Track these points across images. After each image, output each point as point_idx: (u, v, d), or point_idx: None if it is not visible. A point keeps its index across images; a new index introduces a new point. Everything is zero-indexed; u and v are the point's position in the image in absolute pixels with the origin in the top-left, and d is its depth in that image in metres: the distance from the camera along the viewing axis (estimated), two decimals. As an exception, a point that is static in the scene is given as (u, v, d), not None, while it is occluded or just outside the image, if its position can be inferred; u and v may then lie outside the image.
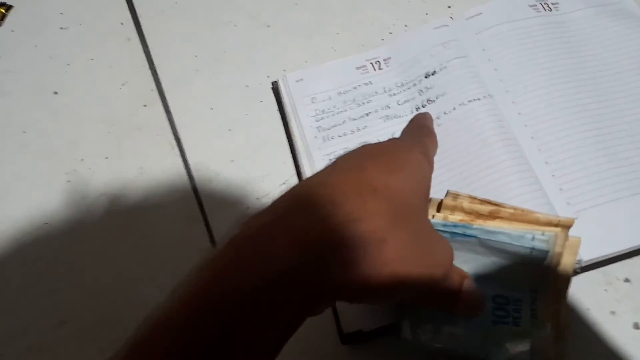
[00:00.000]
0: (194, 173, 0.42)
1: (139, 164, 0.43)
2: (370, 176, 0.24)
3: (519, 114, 0.40)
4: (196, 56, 0.48)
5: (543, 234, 0.29)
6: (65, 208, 0.42)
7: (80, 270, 0.40)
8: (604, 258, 0.35)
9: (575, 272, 0.35)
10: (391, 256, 0.23)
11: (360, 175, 0.24)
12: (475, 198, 0.32)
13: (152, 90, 0.47)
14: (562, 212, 0.36)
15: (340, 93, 0.42)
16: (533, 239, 0.29)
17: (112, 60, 0.48)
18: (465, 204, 0.31)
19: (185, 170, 0.43)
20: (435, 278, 0.25)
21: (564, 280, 0.30)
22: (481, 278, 0.30)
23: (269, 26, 0.49)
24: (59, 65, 0.48)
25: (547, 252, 0.29)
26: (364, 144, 0.28)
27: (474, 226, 0.30)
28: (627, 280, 0.36)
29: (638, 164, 0.37)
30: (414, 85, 0.42)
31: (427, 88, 0.41)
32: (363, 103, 0.42)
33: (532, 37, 0.42)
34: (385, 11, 0.49)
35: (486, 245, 0.30)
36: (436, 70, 0.41)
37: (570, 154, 0.37)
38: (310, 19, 0.49)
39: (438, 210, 0.32)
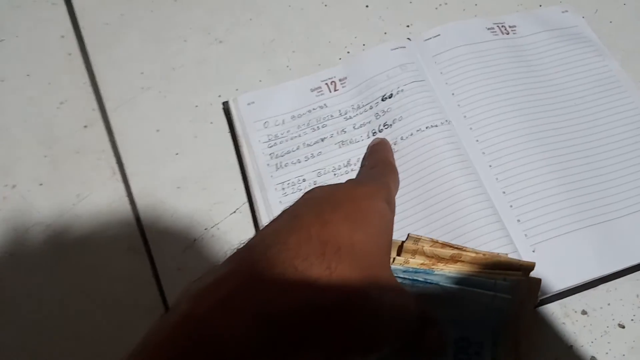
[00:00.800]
0: (137, 201, 0.40)
1: (78, 190, 0.40)
2: (333, 232, 0.22)
3: (477, 140, 0.39)
4: (142, 73, 0.45)
5: (505, 280, 0.28)
6: (-5, 239, 0.39)
7: (13, 307, 0.37)
8: (562, 290, 0.35)
9: (534, 307, 0.34)
10: (362, 319, 0.21)
11: (321, 231, 0.22)
12: (436, 242, 0.31)
13: (93, 109, 0.44)
14: (520, 244, 0.35)
15: (294, 117, 0.41)
16: (495, 284, 0.28)
17: (51, 77, 0.45)
18: (427, 247, 0.30)
19: (127, 197, 0.40)
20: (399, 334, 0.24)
21: (524, 321, 0.30)
22: (443, 321, 0.29)
23: (221, 42, 0.47)
24: (-9, 81, 0.45)
25: (508, 298, 0.28)
26: (323, 185, 0.26)
27: (435, 272, 0.29)
28: (584, 312, 0.36)
29: (593, 194, 0.37)
30: (370, 108, 0.40)
31: (384, 111, 0.40)
32: (318, 127, 0.40)
33: (489, 60, 0.42)
34: (343, 29, 0.47)
35: (448, 291, 0.29)
36: (393, 93, 0.40)
37: (526, 183, 0.37)
38: (265, 35, 0.47)
39: (398, 254, 0.31)
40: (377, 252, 0.24)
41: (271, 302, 0.20)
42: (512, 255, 0.34)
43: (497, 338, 0.29)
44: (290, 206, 0.26)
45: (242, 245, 0.23)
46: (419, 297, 0.28)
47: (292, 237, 0.22)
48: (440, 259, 0.30)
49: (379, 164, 0.35)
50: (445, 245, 0.31)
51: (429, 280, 0.29)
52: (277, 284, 0.21)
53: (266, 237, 0.23)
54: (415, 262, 0.30)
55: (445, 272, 0.30)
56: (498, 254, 0.32)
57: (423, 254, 0.30)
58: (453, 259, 0.30)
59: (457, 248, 0.31)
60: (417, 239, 0.31)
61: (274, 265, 0.21)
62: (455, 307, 0.29)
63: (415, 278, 0.29)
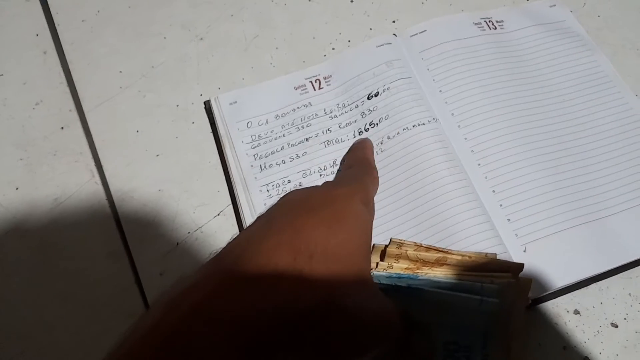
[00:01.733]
0: (117, 203, 0.38)
1: (55, 194, 0.39)
2: (307, 237, 0.22)
3: (465, 138, 0.38)
4: (121, 72, 0.44)
5: (492, 283, 0.27)
6: (-31, 246, 0.37)
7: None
8: (553, 290, 0.34)
9: (526, 308, 0.34)
10: (337, 329, 0.20)
11: (294, 237, 0.22)
12: (420, 245, 0.30)
13: (70, 110, 0.42)
14: (510, 244, 0.34)
15: (278, 116, 0.39)
16: (482, 287, 0.27)
17: (26, 76, 0.43)
18: (410, 251, 0.29)
19: (107, 200, 0.39)
20: (377, 342, 0.23)
21: (516, 323, 0.29)
22: (430, 325, 0.28)
23: (202, 39, 0.45)
24: (-37, 81, 0.43)
25: (496, 302, 0.27)
26: (300, 189, 0.25)
27: (420, 276, 0.28)
28: (576, 312, 0.35)
29: (583, 191, 0.36)
30: (356, 106, 0.39)
31: (370, 110, 0.39)
32: (302, 127, 0.39)
33: (477, 56, 0.41)
34: (327, 25, 0.46)
35: (434, 296, 0.28)
36: (379, 91, 0.39)
37: (516, 182, 0.36)
38: (247, 31, 0.46)
39: (382, 259, 0.30)
40: (354, 256, 0.23)
41: (244, 308, 0.20)
42: (502, 256, 0.33)
43: (487, 340, 0.29)
44: (266, 211, 0.25)
45: (216, 252, 0.22)
46: (404, 302, 0.27)
47: (265, 243, 0.22)
48: (425, 262, 0.29)
49: (356, 163, 0.34)
50: (429, 248, 0.30)
51: (413, 286, 0.28)
52: (250, 290, 0.20)
53: (240, 243, 0.23)
54: (399, 266, 0.30)
55: (431, 276, 0.29)
56: (486, 254, 0.31)
57: (407, 258, 0.30)
58: (438, 263, 0.29)
59: (442, 251, 0.30)
60: (400, 243, 0.31)
61: (246, 271, 0.21)
62: (442, 312, 0.28)
63: (398, 284, 0.28)
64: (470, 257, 0.29)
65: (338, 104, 0.40)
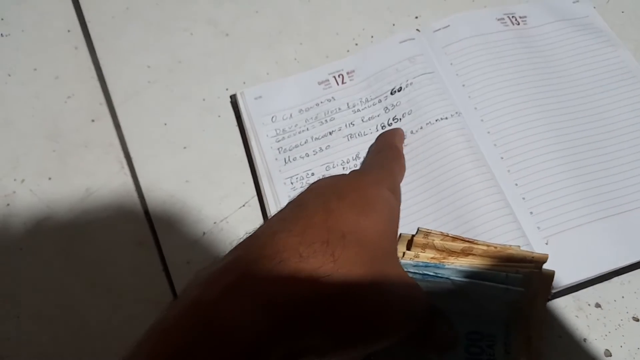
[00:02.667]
0: (146, 194, 0.40)
1: (86, 184, 0.40)
2: (338, 219, 0.22)
3: (488, 132, 0.38)
4: (149, 67, 0.45)
5: (517, 272, 0.28)
6: (5, 234, 0.38)
7: (22, 300, 0.37)
8: (575, 283, 0.34)
9: (547, 300, 0.34)
10: (367, 309, 0.21)
11: (327, 218, 0.22)
12: (447, 235, 0.30)
13: (100, 103, 0.43)
14: (532, 237, 0.34)
15: (302, 110, 0.40)
16: (507, 277, 0.28)
17: (58, 71, 0.45)
18: (437, 241, 0.30)
19: (135, 191, 0.40)
20: (405, 325, 0.24)
21: (537, 314, 0.29)
22: (454, 315, 0.28)
23: (227, 35, 0.46)
24: (-2, 75, 0.45)
25: (521, 291, 0.28)
26: (328, 176, 0.26)
27: (446, 265, 0.29)
28: (597, 305, 0.35)
29: (606, 185, 0.36)
30: (379, 101, 0.40)
31: (393, 105, 0.39)
32: (326, 121, 0.40)
33: (500, 51, 0.41)
34: (350, 21, 0.47)
35: (459, 285, 0.29)
36: (402, 86, 0.40)
37: (539, 176, 0.36)
38: (271, 27, 0.47)
39: (408, 248, 0.30)
40: (383, 239, 0.24)
41: (277, 289, 0.20)
42: (525, 248, 0.33)
43: (510, 331, 0.29)
44: (296, 196, 0.26)
45: (249, 234, 0.23)
46: (430, 291, 0.28)
47: (297, 225, 0.23)
48: (451, 252, 0.30)
49: (385, 148, 0.35)
50: (456, 238, 0.31)
51: (439, 275, 0.29)
52: (283, 270, 0.21)
53: (272, 225, 0.23)
54: (426, 256, 0.30)
55: (457, 265, 0.29)
56: (510, 246, 0.32)
57: (433, 247, 0.30)
58: (464, 252, 0.30)
59: (468, 241, 0.30)
60: (427, 233, 0.31)
61: (279, 251, 0.21)
62: (466, 301, 0.29)
63: (425, 272, 0.29)
64: (495, 247, 0.30)
65: (361, 99, 0.41)
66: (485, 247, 0.30)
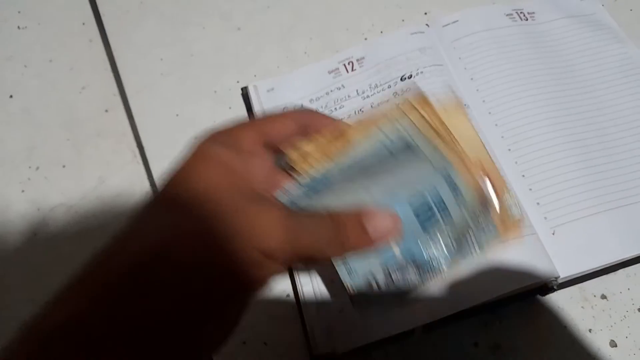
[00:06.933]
0: (158, 183, 0.40)
1: (99, 173, 0.41)
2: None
3: (496, 125, 0.39)
4: (162, 59, 0.46)
5: (391, 122, 0.25)
6: (19, 220, 0.39)
7: (33, 286, 0.37)
8: (581, 274, 0.35)
9: (552, 289, 0.34)
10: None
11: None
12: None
13: (114, 94, 0.44)
14: (539, 228, 0.35)
15: (312, 100, 0.41)
16: (387, 136, 0.25)
17: (73, 62, 0.46)
18: (309, 148, 0.26)
19: (148, 180, 0.41)
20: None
21: (451, 137, 0.25)
22: (381, 196, 0.25)
23: (239, 29, 0.47)
24: (15, 67, 0.46)
25: (405, 138, 0.25)
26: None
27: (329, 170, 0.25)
28: (603, 296, 0.36)
29: (613, 178, 0.37)
30: (389, 87, 0.40)
31: (403, 91, 0.40)
32: (335, 109, 0.40)
33: (508, 46, 0.42)
34: (360, 16, 0.47)
35: (355, 175, 0.25)
36: (412, 74, 0.40)
37: (546, 167, 0.37)
38: (282, 22, 0.47)
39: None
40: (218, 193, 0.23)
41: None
42: (531, 238, 0.34)
43: (445, 172, 0.25)
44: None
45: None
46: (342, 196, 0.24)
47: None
48: (329, 146, 0.26)
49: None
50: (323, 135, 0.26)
51: (329, 177, 0.25)
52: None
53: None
54: (307, 166, 0.26)
55: (336, 162, 0.25)
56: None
57: (309, 157, 0.26)
58: (339, 139, 0.26)
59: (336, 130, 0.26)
60: (297, 148, 0.27)
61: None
62: (377, 178, 0.25)
63: (322, 183, 0.25)
64: (363, 114, 0.26)
65: (370, 85, 0.41)
66: (353, 123, 0.26)
